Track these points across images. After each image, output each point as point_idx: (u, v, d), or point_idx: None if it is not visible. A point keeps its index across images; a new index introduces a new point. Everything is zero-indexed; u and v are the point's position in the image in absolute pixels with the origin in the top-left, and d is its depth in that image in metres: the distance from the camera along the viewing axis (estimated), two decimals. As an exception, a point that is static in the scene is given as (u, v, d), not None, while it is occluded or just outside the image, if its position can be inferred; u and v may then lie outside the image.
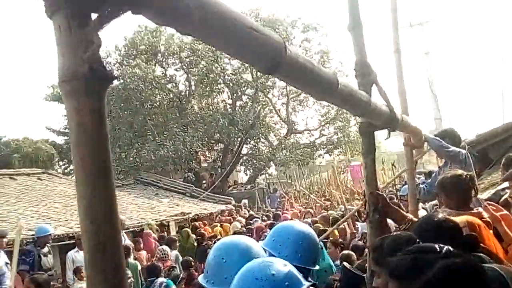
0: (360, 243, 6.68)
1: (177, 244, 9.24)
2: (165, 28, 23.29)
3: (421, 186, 4.63)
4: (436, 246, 1.24)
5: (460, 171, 2.95)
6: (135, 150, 21.57)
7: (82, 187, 0.72)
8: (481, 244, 1.94)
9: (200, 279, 1.87)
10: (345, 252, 5.32)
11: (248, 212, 14.96)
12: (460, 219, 2.10)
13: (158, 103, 23.17)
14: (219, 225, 11.64)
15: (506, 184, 4.23)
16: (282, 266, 1.50)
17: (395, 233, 1.87)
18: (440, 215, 2.04)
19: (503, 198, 3.87)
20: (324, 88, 1.53)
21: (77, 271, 7.28)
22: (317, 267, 2.17)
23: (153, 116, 23.21)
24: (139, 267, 7.72)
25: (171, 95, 23.84)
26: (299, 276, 1.51)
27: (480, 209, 2.77)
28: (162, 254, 7.90)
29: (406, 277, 1.18)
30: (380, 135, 3.34)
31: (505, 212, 2.94)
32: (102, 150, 0.74)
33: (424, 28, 18.16)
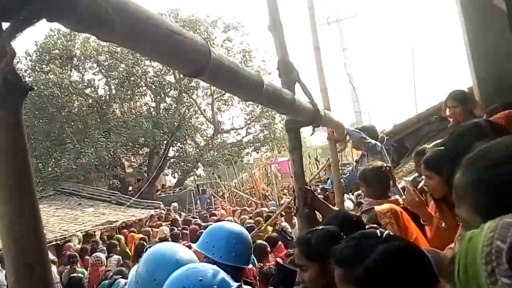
0: (274, 234, 6.90)
1: (118, 249, 9.19)
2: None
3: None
4: (377, 231, 1.31)
5: (380, 163, 3.13)
6: (53, 160, 20.41)
7: (3, 206, 0.67)
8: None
9: None
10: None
11: (180, 215, 14.72)
12: (385, 206, 2.23)
13: (76, 109, 22.11)
14: (150, 230, 11.35)
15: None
16: (209, 271, 1.51)
17: (321, 227, 1.94)
18: (343, 212, 2.19)
19: (419, 185, 4.14)
20: (250, 90, 1.55)
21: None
22: (250, 266, 2.21)
23: (72, 123, 22.11)
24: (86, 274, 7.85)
25: (90, 100, 22.86)
26: (227, 278, 1.53)
27: (397, 197, 2.96)
28: (96, 260, 7.98)
29: (350, 263, 1.23)
30: (305, 131, 3.45)
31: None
32: (22, 166, 0.70)
33: (341, 25, 18.93)
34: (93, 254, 8.39)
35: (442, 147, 1.30)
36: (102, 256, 8.21)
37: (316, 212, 2.61)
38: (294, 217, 7.49)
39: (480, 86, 4.05)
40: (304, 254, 1.82)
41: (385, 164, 3.07)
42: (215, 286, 1.45)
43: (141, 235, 10.00)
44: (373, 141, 4.29)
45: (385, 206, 2.31)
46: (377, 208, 2.32)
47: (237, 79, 1.41)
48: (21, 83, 0.69)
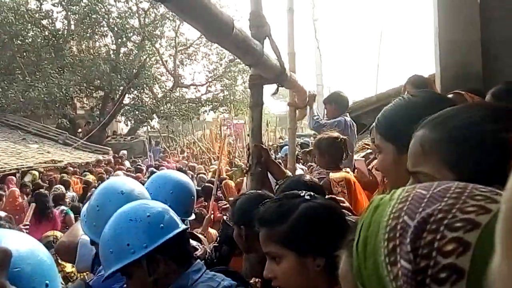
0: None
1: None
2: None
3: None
4: (300, 192, 1.32)
5: (336, 134, 3.13)
6: (0, 89, 19.31)
7: None
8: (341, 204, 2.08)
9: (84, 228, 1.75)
10: None
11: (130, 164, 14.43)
12: (339, 174, 2.23)
13: (30, 40, 20.83)
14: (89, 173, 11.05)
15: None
16: (159, 209, 1.48)
17: (248, 192, 1.93)
18: (307, 177, 2.17)
19: (373, 163, 4.22)
20: (219, 30, 1.45)
21: None
22: (191, 218, 2.15)
23: (24, 54, 20.87)
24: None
25: (47, 33, 21.58)
26: (177, 219, 1.49)
27: (348, 169, 2.99)
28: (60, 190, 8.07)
29: (274, 222, 1.24)
30: (266, 94, 3.38)
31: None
32: None
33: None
34: (56, 186, 8.46)
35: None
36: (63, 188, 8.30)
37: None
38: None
39: (442, 74, 4.11)
40: (231, 217, 1.86)
41: (341, 136, 3.08)
42: (162, 225, 1.41)
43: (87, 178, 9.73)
44: (332, 122, 4.22)
45: (340, 174, 2.31)
46: (332, 175, 2.33)
47: (206, 14, 1.30)
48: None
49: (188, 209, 2.10)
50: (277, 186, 2.49)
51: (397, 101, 1.24)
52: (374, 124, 1.28)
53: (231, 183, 7.36)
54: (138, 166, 12.54)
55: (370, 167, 3.97)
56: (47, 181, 9.40)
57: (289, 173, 2.65)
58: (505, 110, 0.85)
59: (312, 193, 1.33)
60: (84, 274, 3.56)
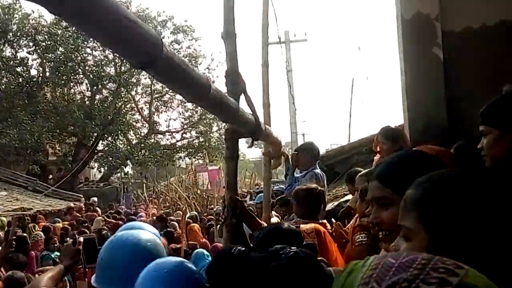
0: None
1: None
2: (21, 6, 21.00)
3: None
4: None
5: (314, 185, 3.20)
6: (-30, 135, 18.92)
7: None
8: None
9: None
10: None
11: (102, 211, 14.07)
12: (309, 226, 2.28)
13: (3, 87, 20.69)
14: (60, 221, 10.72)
15: (348, 197, 4.70)
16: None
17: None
18: (285, 225, 2.19)
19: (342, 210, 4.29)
20: (197, 91, 1.53)
21: None
22: None
23: (-4, 100, 20.68)
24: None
25: (20, 80, 21.52)
26: None
27: (325, 221, 3.03)
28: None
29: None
30: (242, 143, 3.45)
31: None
32: None
33: (289, 47, 19.24)
34: (34, 233, 8.34)
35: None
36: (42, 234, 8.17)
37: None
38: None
39: (411, 127, 4.28)
40: None
41: (318, 188, 3.14)
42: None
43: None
44: (305, 177, 4.32)
45: (310, 225, 2.36)
46: (302, 227, 2.37)
47: (185, 78, 1.38)
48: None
49: None
50: (253, 237, 2.50)
51: (404, 154, 1.36)
52: (372, 175, 1.34)
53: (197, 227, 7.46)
54: (117, 213, 12.25)
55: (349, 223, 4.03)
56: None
57: (265, 224, 2.67)
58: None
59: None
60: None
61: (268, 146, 4.06)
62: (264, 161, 4.28)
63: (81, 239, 2.14)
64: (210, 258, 5.18)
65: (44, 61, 21.64)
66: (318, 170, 4.39)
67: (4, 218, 10.46)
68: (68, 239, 6.83)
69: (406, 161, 1.31)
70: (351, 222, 3.04)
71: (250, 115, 2.41)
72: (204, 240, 7.60)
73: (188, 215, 10.91)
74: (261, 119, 3.18)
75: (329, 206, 4.58)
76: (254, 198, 10.08)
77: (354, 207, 3.94)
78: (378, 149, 4.01)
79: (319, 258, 1.88)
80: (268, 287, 1.34)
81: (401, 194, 1.21)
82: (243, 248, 1.92)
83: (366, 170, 3.29)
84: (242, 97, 2.52)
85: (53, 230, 8.72)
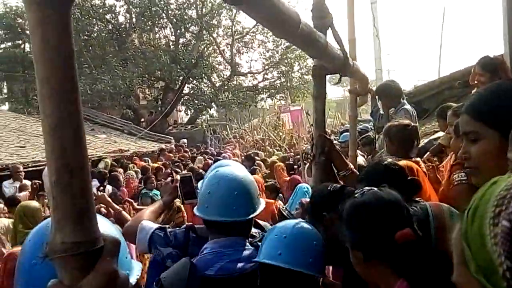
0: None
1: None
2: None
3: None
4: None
5: (407, 121, 3.08)
6: (69, 83, 20.45)
7: (48, 106, 0.67)
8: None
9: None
10: None
11: (192, 152, 14.86)
12: (401, 163, 2.21)
13: (95, 34, 21.88)
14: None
15: (439, 134, 4.49)
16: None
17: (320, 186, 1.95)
18: (388, 160, 2.13)
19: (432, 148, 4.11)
20: (286, 26, 1.50)
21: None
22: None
23: (90, 48, 21.96)
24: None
25: (110, 27, 22.57)
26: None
27: (418, 159, 2.93)
28: (129, 176, 8.88)
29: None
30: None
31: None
32: (69, 67, 0.69)
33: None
34: (126, 172, 9.28)
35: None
36: (134, 174, 9.15)
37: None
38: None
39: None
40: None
41: (412, 124, 3.02)
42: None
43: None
44: (402, 113, 4.16)
45: (402, 162, 2.28)
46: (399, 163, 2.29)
47: (275, 13, 1.36)
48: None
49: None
50: (343, 175, 2.50)
51: (497, 86, 1.22)
52: (462, 108, 1.26)
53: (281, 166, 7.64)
54: (205, 153, 13.02)
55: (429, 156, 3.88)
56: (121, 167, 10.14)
57: (351, 166, 2.64)
58: None
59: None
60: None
61: (355, 83, 3.93)
62: (350, 99, 4.16)
63: (178, 177, 2.30)
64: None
65: (130, 7, 22.39)
66: (407, 106, 4.23)
67: (108, 160, 11.44)
68: (164, 178, 7.36)
69: (500, 93, 1.20)
70: (446, 160, 2.92)
71: (338, 50, 2.34)
72: (288, 177, 7.77)
73: (274, 155, 11.22)
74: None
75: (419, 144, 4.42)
76: (338, 137, 10.01)
77: (445, 144, 3.77)
78: (476, 82, 3.74)
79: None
80: (344, 222, 1.39)
81: (493, 127, 1.14)
82: (338, 185, 1.95)
83: (460, 104, 3.10)
84: (329, 31, 2.44)
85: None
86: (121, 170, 9.38)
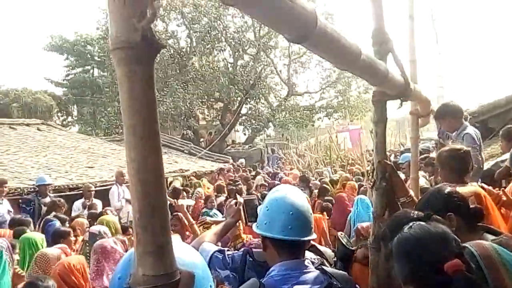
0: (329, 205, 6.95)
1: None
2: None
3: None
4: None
5: (459, 146, 2.99)
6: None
7: (134, 151, 0.74)
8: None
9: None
10: None
11: (248, 171, 15.05)
12: (468, 189, 2.15)
13: (158, 59, 22.83)
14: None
15: (506, 156, 4.29)
16: None
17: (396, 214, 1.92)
18: (449, 188, 2.09)
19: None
20: (348, 59, 1.54)
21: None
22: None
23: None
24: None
25: (172, 51, 23.51)
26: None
27: (475, 184, 2.82)
28: (198, 193, 9.24)
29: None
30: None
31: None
32: (152, 116, 0.77)
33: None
34: (196, 190, 9.69)
35: None
36: (202, 191, 9.56)
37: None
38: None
39: None
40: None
41: (464, 148, 2.92)
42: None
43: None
44: (468, 138, 3.99)
45: (469, 188, 2.22)
46: (460, 189, 2.24)
47: (338, 48, 1.40)
48: (156, 41, 0.74)
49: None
50: (403, 201, 2.45)
51: None
52: None
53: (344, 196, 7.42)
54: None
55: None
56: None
57: (412, 193, 2.58)
58: None
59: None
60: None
61: (416, 104, 3.86)
62: (412, 120, 4.07)
63: (241, 199, 2.36)
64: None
65: (191, 31, 23.25)
66: (470, 130, 4.05)
67: (180, 178, 11.88)
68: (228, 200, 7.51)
69: None
70: (512, 184, 2.79)
71: (398, 76, 2.33)
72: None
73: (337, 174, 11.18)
74: (408, 77, 3.03)
75: (485, 166, 4.22)
76: (398, 157, 9.77)
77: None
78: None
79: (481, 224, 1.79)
80: (394, 256, 1.41)
81: None
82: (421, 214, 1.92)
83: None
84: (389, 56, 2.44)
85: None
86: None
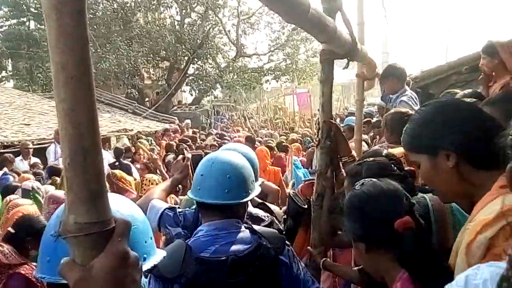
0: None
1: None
2: None
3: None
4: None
5: (404, 109, 3.07)
6: (74, 61, 20.42)
7: (63, 90, 0.68)
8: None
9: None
10: None
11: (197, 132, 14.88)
12: (399, 150, 2.20)
13: (100, 13, 21.71)
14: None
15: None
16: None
17: (369, 159, 1.93)
18: (385, 151, 2.15)
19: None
20: (295, 10, 1.50)
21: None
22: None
23: (95, 27, 21.81)
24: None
25: (115, 5, 22.36)
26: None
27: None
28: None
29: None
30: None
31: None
32: (84, 53, 0.70)
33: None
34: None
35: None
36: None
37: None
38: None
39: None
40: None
41: (408, 112, 3.00)
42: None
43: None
44: (406, 100, 4.10)
45: (399, 150, 2.26)
46: (392, 151, 2.27)
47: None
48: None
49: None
50: (345, 161, 2.50)
51: (419, 113, 1.45)
52: None
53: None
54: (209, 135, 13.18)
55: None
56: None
57: (354, 153, 2.64)
58: None
59: None
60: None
61: (362, 67, 3.91)
62: (357, 83, 4.15)
63: (189, 155, 2.31)
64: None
65: (136, -15, 22.18)
66: (405, 97, 4.14)
67: (125, 138, 11.54)
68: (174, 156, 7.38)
69: (418, 120, 1.36)
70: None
71: (347, 35, 2.33)
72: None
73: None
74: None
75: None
76: (343, 121, 10.00)
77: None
78: (480, 65, 3.69)
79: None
80: (345, 214, 1.43)
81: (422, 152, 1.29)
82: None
83: (465, 91, 3.07)
84: (337, 15, 2.42)
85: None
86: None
